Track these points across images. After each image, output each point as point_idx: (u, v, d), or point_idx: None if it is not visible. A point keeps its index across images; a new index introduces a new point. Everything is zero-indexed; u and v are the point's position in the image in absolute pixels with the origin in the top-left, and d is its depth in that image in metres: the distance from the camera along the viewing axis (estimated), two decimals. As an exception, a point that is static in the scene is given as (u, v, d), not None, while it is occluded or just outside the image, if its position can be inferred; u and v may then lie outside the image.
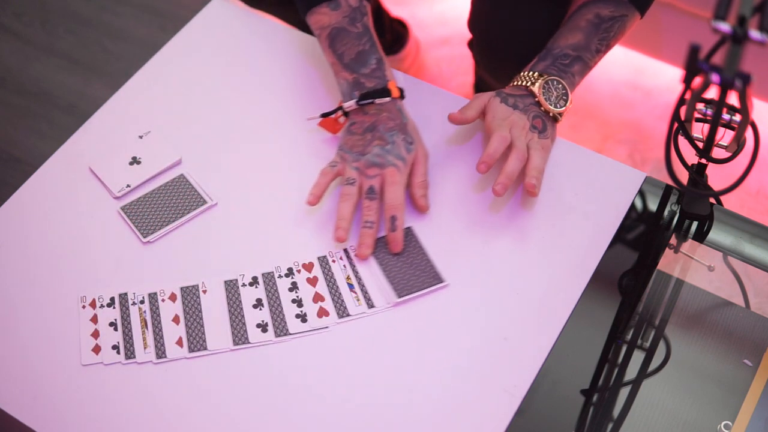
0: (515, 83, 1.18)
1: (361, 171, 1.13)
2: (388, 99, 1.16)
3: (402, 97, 1.18)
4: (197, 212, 1.17)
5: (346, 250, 1.12)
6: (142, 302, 1.09)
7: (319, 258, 1.12)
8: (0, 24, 2.20)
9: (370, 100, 1.15)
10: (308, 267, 1.11)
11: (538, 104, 1.16)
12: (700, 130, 1.07)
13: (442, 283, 1.09)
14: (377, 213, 1.12)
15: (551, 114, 1.16)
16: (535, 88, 1.16)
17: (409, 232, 1.14)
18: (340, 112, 1.19)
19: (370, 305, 1.08)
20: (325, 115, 1.21)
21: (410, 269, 1.10)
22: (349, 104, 1.16)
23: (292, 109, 1.26)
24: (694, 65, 0.85)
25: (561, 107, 1.16)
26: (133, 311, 1.08)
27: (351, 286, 1.10)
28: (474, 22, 1.49)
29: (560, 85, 1.16)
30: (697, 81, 0.88)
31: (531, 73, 1.17)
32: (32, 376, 1.05)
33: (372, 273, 1.11)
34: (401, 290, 1.09)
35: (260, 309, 1.08)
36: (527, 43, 1.40)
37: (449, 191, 1.18)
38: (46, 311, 1.09)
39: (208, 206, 1.17)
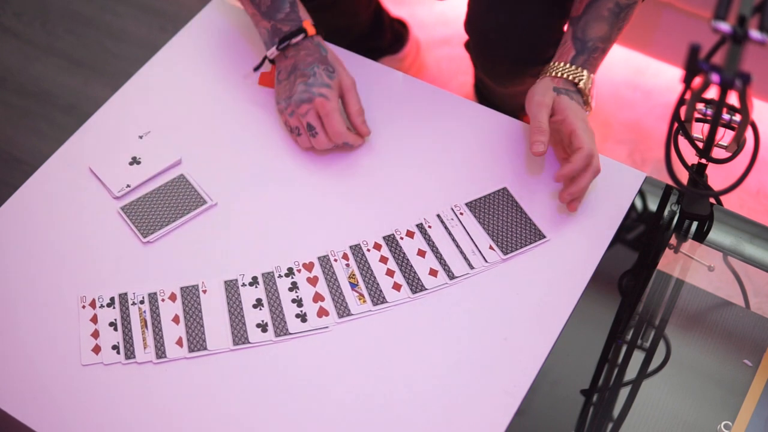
0: (562, 75, 1.17)
1: (296, 113, 1.17)
2: (301, 36, 1.18)
3: (319, 33, 1.20)
4: (197, 212, 1.17)
5: (353, 246, 1.12)
6: (141, 302, 1.09)
7: (319, 258, 1.12)
8: (0, 24, 2.20)
9: (286, 43, 1.18)
10: (308, 267, 1.11)
11: (587, 102, 1.17)
12: (700, 130, 1.07)
13: (544, 239, 1.12)
14: (327, 143, 1.18)
15: (588, 111, 1.18)
16: (583, 85, 1.16)
17: (505, 193, 1.16)
18: (267, 63, 1.22)
19: (376, 302, 1.08)
20: (256, 69, 1.25)
21: (511, 227, 1.13)
22: (271, 51, 1.20)
23: (292, 109, 1.26)
24: (694, 65, 0.85)
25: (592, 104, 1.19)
26: (133, 311, 1.08)
27: (353, 285, 1.10)
28: (470, 24, 1.49)
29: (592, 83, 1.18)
30: (697, 81, 0.88)
31: (575, 67, 1.17)
32: (32, 376, 1.05)
33: (446, 242, 1.13)
34: (505, 248, 1.11)
35: (260, 309, 1.08)
36: (523, 44, 1.40)
37: (448, 190, 1.17)
38: (46, 311, 1.09)
39: (208, 206, 1.17)
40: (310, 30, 1.19)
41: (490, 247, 1.12)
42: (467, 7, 1.48)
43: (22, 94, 2.08)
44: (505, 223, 1.13)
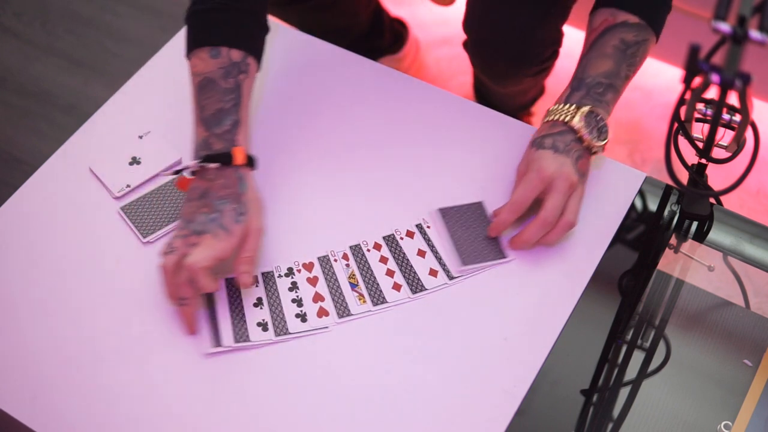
0: (550, 118, 1.12)
1: (183, 238, 1.05)
2: (218, 166, 1.07)
3: (250, 165, 1.09)
4: None
5: (353, 247, 1.12)
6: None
7: (319, 258, 1.12)
8: (0, 24, 2.20)
9: (207, 163, 1.07)
10: (308, 267, 1.11)
11: (580, 140, 1.09)
12: (700, 130, 1.07)
13: (506, 258, 1.11)
14: (186, 281, 1.04)
15: (593, 149, 1.10)
16: (576, 123, 1.09)
17: (479, 207, 1.15)
18: (188, 171, 1.09)
19: (376, 302, 1.08)
20: (176, 173, 1.13)
21: (477, 241, 1.12)
22: (192, 164, 1.08)
23: (291, 109, 1.26)
24: (694, 65, 0.85)
25: (603, 141, 1.11)
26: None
27: (353, 285, 1.10)
28: (468, 23, 1.49)
29: (599, 117, 1.10)
30: (697, 81, 0.88)
31: (567, 106, 1.11)
32: (32, 376, 1.05)
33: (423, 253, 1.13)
34: (466, 259, 1.11)
35: (260, 308, 1.08)
36: (520, 44, 1.40)
37: (448, 191, 1.17)
38: (46, 311, 1.09)
39: (208, 206, 1.17)
40: (238, 159, 1.07)
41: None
42: (465, 6, 1.49)
43: (22, 94, 2.08)
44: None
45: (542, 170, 1.07)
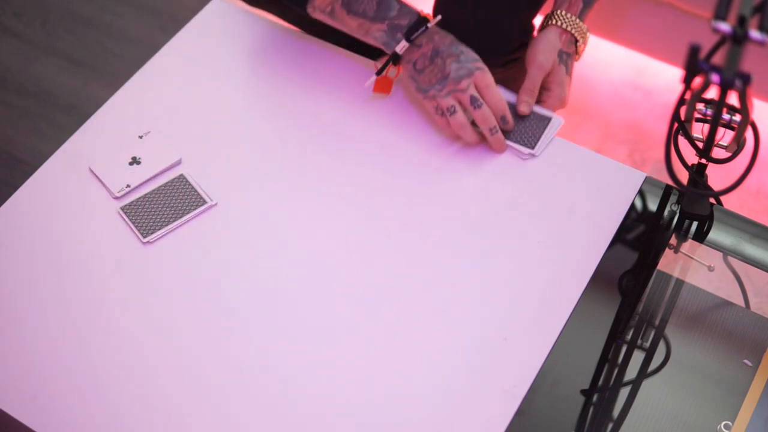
0: (570, 30, 1.23)
1: (455, 91, 1.16)
2: (434, 22, 1.18)
3: (437, 17, 1.20)
4: (197, 212, 1.17)
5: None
6: None
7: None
8: (0, 24, 2.20)
9: (419, 31, 1.17)
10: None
11: (576, 50, 1.25)
12: (700, 130, 1.07)
13: (551, 117, 1.22)
14: (492, 116, 1.17)
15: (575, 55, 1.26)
16: (582, 46, 1.25)
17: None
18: (391, 62, 1.19)
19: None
20: (379, 72, 1.21)
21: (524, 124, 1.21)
22: (401, 46, 1.17)
23: (291, 109, 1.26)
24: (694, 65, 0.85)
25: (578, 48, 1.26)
26: None
27: None
28: (437, 9, 1.48)
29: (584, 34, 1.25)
30: (697, 81, 0.88)
31: (582, 24, 1.24)
32: (32, 376, 1.05)
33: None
34: (529, 143, 1.20)
35: None
36: (490, 35, 1.40)
37: (448, 190, 1.18)
38: (46, 311, 1.09)
39: (208, 206, 1.17)
40: (431, 18, 1.18)
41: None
42: (433, 2, 1.48)
43: (22, 94, 2.08)
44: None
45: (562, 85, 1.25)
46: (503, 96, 1.19)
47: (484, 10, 1.34)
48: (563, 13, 1.23)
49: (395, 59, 1.19)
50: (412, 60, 1.18)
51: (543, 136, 1.20)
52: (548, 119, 1.22)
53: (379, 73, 1.21)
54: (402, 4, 1.19)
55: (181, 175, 1.20)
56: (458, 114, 1.17)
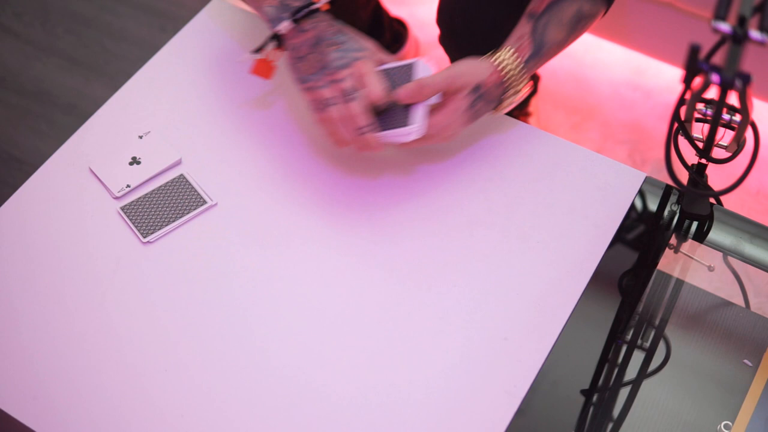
0: (506, 74, 1.10)
1: (333, 82, 1.07)
2: (320, 4, 1.09)
3: (333, 4, 1.12)
4: (197, 212, 1.17)
5: None
6: None
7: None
8: (0, 24, 2.20)
9: (302, 12, 1.08)
10: None
11: (500, 97, 1.12)
12: (700, 130, 1.07)
13: (407, 126, 1.06)
14: (362, 115, 1.06)
15: (501, 102, 1.13)
16: (511, 96, 1.12)
17: (409, 68, 1.10)
18: (274, 42, 1.10)
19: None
20: (258, 50, 1.12)
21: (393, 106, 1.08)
22: (284, 25, 1.09)
23: (291, 109, 1.26)
24: (694, 65, 0.85)
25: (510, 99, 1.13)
26: None
27: None
28: (440, 17, 1.48)
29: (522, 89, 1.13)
30: (697, 81, 0.88)
31: (524, 72, 1.12)
32: (32, 376, 1.05)
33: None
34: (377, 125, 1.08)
35: None
36: (491, 36, 1.40)
37: (449, 191, 1.17)
38: (46, 311, 1.09)
39: (208, 206, 1.17)
40: (324, 5, 1.10)
41: None
42: (438, 1, 1.48)
43: (22, 94, 2.08)
44: None
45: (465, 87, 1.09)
46: (385, 85, 1.07)
47: (489, 15, 1.34)
48: (510, 52, 1.11)
49: (277, 39, 1.11)
50: (295, 46, 1.10)
51: (385, 132, 1.06)
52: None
53: (257, 51, 1.12)
54: None
55: (181, 175, 1.20)
56: (332, 108, 1.07)
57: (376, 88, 1.05)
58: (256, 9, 1.14)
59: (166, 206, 1.17)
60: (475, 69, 1.09)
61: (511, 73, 1.11)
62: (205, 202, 1.18)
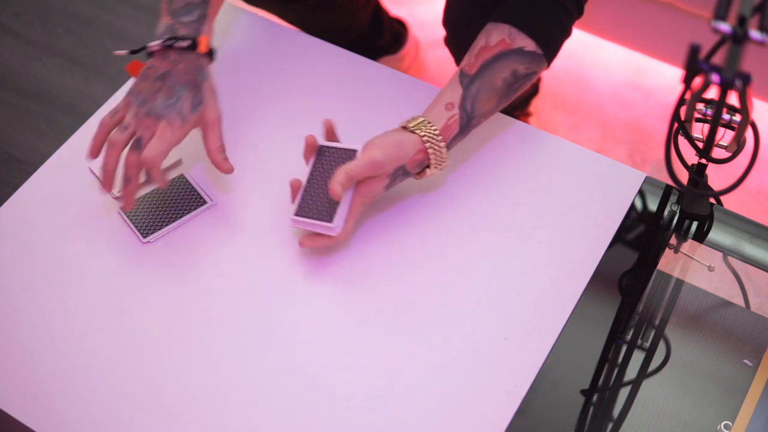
0: (429, 150, 1.08)
1: (139, 119, 1.09)
2: (187, 44, 1.11)
3: (210, 56, 1.14)
4: (197, 212, 1.17)
5: None
6: None
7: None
8: (0, 24, 2.20)
9: (172, 43, 1.10)
10: None
11: (418, 174, 1.11)
12: (700, 130, 1.07)
13: (330, 223, 1.06)
14: (138, 168, 1.09)
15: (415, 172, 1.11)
16: (429, 173, 1.11)
17: (353, 155, 1.09)
18: (144, 52, 1.13)
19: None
20: (133, 52, 1.16)
21: (325, 198, 1.08)
22: (154, 43, 1.11)
23: (292, 109, 1.26)
24: (694, 65, 0.85)
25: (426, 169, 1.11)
26: None
27: None
28: (446, 19, 1.48)
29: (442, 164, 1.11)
30: (697, 81, 0.88)
31: (447, 151, 1.09)
32: (32, 376, 1.05)
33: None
34: (299, 211, 1.09)
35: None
36: None
37: (448, 191, 1.17)
38: (46, 311, 1.09)
39: (208, 206, 1.17)
40: (202, 47, 1.12)
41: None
42: (444, 2, 1.48)
43: (22, 94, 2.08)
44: None
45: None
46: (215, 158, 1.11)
47: (493, 12, 1.33)
48: (435, 132, 1.08)
49: (147, 51, 1.13)
50: (153, 65, 1.12)
51: (310, 221, 1.07)
52: (328, 221, 1.07)
53: (132, 53, 1.16)
54: (202, 21, 1.14)
55: (181, 175, 1.20)
56: (117, 136, 1.09)
57: (155, 156, 1.07)
58: (162, 15, 1.16)
59: (166, 206, 1.17)
60: (399, 149, 1.07)
61: (435, 153, 1.09)
62: (205, 202, 1.18)
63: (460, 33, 1.46)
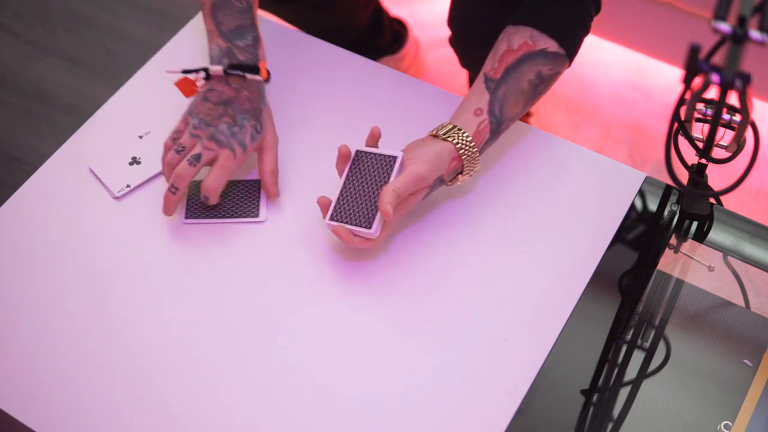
0: (463, 158, 1.08)
1: (201, 140, 1.10)
2: (257, 77, 1.13)
3: (268, 80, 1.16)
4: (243, 221, 1.16)
5: None
6: None
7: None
8: (0, 24, 2.20)
9: (238, 72, 1.12)
10: None
11: (454, 174, 1.10)
12: (700, 130, 1.07)
13: (369, 229, 1.06)
14: (188, 181, 1.10)
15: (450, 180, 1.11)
16: (461, 182, 1.11)
17: (392, 161, 1.08)
18: (203, 73, 1.14)
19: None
20: (187, 72, 1.15)
21: (363, 198, 1.08)
22: (216, 68, 1.12)
23: (292, 109, 1.26)
24: (694, 65, 0.85)
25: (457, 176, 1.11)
26: None
27: None
28: (451, 19, 1.48)
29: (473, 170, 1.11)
30: (697, 81, 0.88)
31: (478, 156, 1.09)
32: (32, 376, 1.05)
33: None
34: (334, 215, 1.08)
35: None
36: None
37: (448, 191, 1.18)
38: (46, 311, 1.09)
39: (256, 221, 1.17)
40: (264, 73, 1.14)
41: None
42: (450, 2, 1.48)
43: (22, 94, 2.08)
44: None
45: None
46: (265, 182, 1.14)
47: (500, 17, 1.33)
48: (467, 139, 1.08)
49: (206, 72, 1.13)
50: (213, 87, 1.13)
51: (347, 225, 1.07)
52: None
53: (186, 72, 1.15)
54: (257, 44, 1.16)
55: (258, 180, 1.19)
56: (175, 157, 1.10)
57: (215, 182, 1.09)
58: (208, 41, 1.17)
59: (225, 201, 1.17)
60: (438, 161, 1.07)
61: (469, 160, 1.09)
62: (257, 215, 1.16)
63: (465, 33, 1.46)
